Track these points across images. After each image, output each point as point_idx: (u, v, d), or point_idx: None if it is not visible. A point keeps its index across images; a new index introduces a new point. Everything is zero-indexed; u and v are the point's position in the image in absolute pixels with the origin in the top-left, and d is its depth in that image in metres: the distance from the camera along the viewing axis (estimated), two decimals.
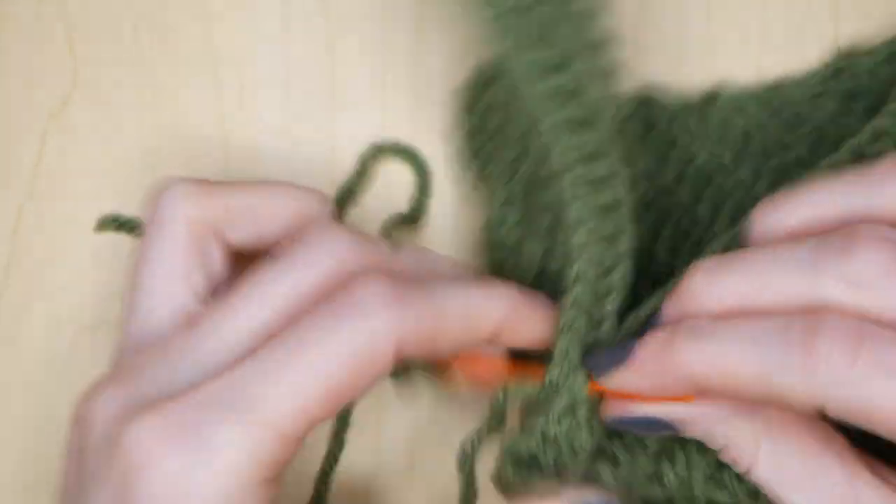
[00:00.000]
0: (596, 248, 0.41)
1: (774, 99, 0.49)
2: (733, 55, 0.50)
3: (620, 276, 0.41)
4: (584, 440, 0.41)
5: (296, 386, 0.37)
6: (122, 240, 0.50)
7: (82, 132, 0.51)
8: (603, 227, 0.41)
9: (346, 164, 0.51)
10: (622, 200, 0.40)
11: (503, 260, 0.47)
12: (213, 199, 0.43)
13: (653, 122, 0.49)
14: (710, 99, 0.49)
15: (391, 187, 0.50)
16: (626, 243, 0.41)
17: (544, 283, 0.45)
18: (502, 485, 0.42)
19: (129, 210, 0.50)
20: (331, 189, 0.50)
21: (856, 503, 0.37)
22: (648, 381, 0.39)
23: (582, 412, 0.41)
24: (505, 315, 0.41)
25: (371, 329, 0.38)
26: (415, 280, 0.40)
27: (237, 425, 0.36)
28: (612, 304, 0.42)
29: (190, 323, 0.40)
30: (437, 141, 0.50)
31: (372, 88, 0.51)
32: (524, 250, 0.46)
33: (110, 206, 0.50)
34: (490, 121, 0.48)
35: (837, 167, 0.42)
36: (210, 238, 0.43)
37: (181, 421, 0.37)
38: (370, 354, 0.38)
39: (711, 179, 0.49)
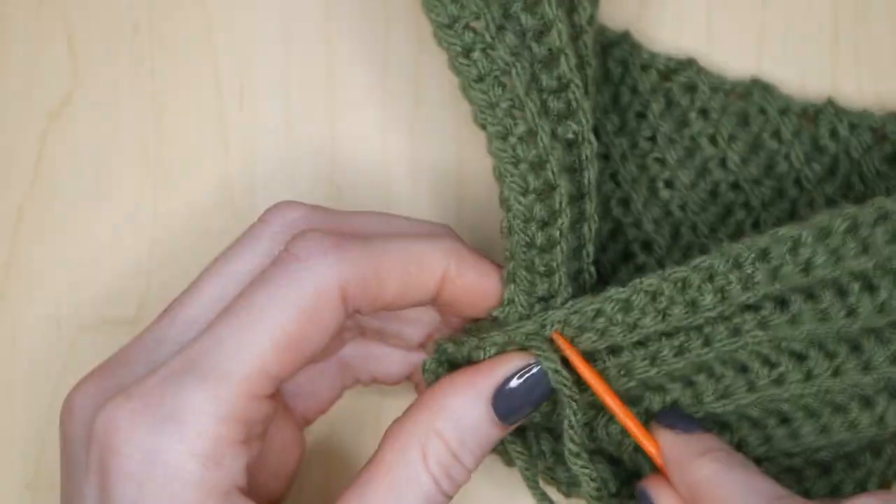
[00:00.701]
0: (522, 202, 0.42)
1: (873, 132, 0.48)
2: (733, 55, 0.50)
3: (562, 226, 0.42)
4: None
5: (249, 344, 0.38)
6: (122, 240, 0.50)
7: (82, 132, 0.51)
8: (527, 183, 0.42)
9: (345, 164, 0.51)
10: (546, 159, 0.41)
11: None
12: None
13: (750, 113, 0.49)
14: (810, 113, 0.49)
15: None
16: (560, 199, 0.42)
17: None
18: (426, 376, 0.43)
19: (126, 210, 0.50)
20: (330, 188, 0.50)
21: None
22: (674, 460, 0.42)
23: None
24: (447, 265, 0.41)
25: (311, 276, 0.39)
26: (358, 235, 0.41)
27: (200, 392, 0.38)
28: (557, 253, 0.43)
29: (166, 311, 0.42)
30: (436, 141, 0.51)
31: (372, 88, 0.51)
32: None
33: (110, 206, 0.50)
34: None
35: (887, 214, 0.41)
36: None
37: (148, 398, 0.38)
38: (315, 300, 0.39)
39: (786, 192, 0.49)
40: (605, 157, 0.49)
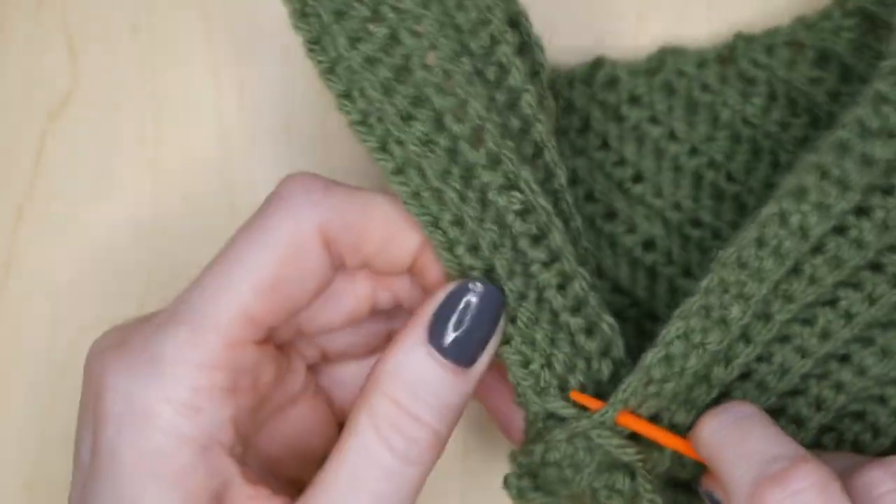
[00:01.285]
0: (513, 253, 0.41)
1: (789, 45, 0.49)
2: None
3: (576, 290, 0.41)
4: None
5: (228, 289, 0.38)
6: (122, 240, 0.50)
7: (82, 132, 0.51)
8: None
9: (341, 163, 0.51)
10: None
11: None
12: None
13: (672, 81, 0.49)
14: (724, 53, 0.49)
15: None
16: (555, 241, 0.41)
17: None
18: (510, 491, 0.42)
19: (126, 210, 0.50)
20: None
21: None
22: None
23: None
24: (426, 239, 0.40)
25: (291, 216, 0.38)
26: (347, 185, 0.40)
27: (179, 338, 0.37)
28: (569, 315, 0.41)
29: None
30: None
31: None
32: None
33: (110, 206, 0.50)
34: None
35: (844, 144, 0.42)
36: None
37: (133, 344, 0.38)
38: (294, 240, 0.38)
39: (741, 134, 0.49)
40: (573, 181, 0.49)
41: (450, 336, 0.38)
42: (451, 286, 0.39)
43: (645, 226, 0.49)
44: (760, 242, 0.42)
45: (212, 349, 0.38)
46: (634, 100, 0.49)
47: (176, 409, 0.37)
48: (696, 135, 0.49)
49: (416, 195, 0.40)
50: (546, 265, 0.41)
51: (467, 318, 0.39)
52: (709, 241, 0.48)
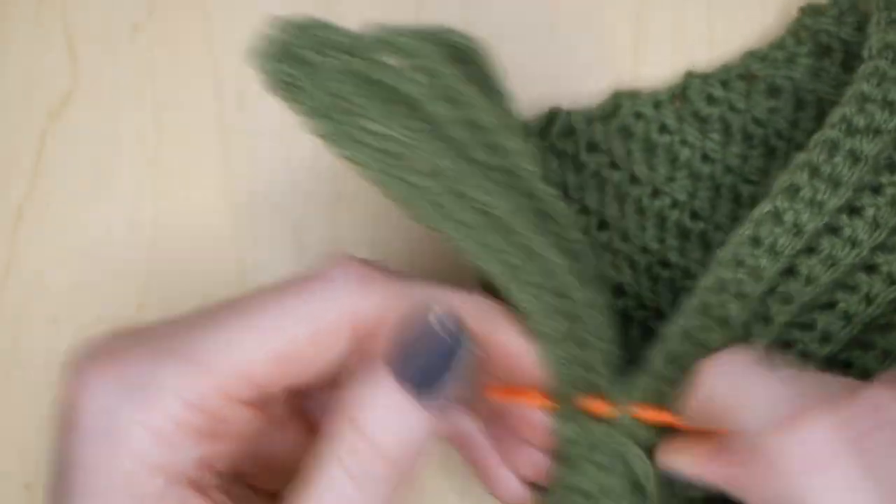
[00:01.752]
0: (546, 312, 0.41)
1: (743, 78, 0.49)
2: (734, 54, 0.50)
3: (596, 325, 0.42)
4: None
5: (241, 346, 0.38)
6: (122, 240, 0.50)
7: (82, 132, 0.51)
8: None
9: (346, 164, 0.50)
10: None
11: None
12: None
13: (629, 124, 0.49)
14: (678, 92, 0.49)
15: None
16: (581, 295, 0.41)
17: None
18: None
19: (126, 210, 0.50)
20: (330, 189, 0.50)
21: None
22: None
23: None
24: (473, 322, 0.39)
25: (327, 299, 0.38)
26: (394, 275, 0.40)
27: (177, 374, 0.37)
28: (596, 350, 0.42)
29: None
30: None
31: None
32: None
33: (110, 206, 0.50)
34: None
35: (832, 143, 0.43)
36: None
37: (126, 362, 0.38)
38: (322, 325, 0.38)
39: (701, 172, 0.49)
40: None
41: (416, 371, 0.37)
42: (410, 317, 0.38)
43: (612, 273, 0.48)
44: (756, 241, 0.43)
45: (202, 392, 0.37)
46: (592, 146, 0.49)
47: (151, 438, 0.37)
48: (657, 176, 0.49)
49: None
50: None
51: (428, 350, 0.37)
52: (679, 280, 0.48)
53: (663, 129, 0.49)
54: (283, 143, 0.51)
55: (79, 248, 0.50)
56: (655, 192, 0.49)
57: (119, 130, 0.51)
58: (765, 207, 0.43)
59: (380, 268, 0.41)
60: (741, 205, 0.48)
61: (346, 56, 0.39)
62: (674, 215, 0.49)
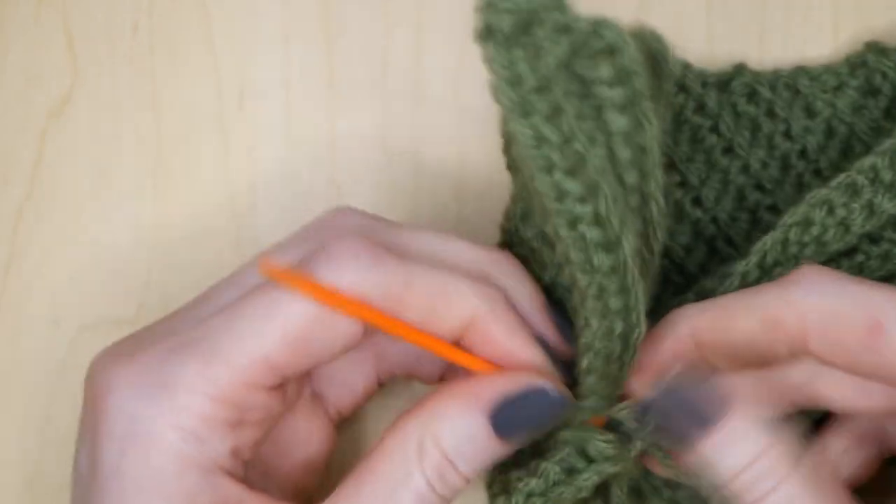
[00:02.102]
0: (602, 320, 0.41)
1: (789, 88, 0.49)
2: (733, 54, 0.50)
3: (635, 338, 0.41)
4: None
5: (257, 333, 0.38)
6: (122, 240, 0.50)
7: (82, 132, 0.51)
8: (609, 301, 0.40)
9: (346, 164, 0.51)
10: (626, 262, 0.39)
11: (523, 253, 0.46)
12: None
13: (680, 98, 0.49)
14: (726, 81, 0.49)
15: None
16: (635, 301, 0.40)
17: (557, 289, 0.45)
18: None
19: (126, 210, 0.50)
20: (330, 188, 0.50)
21: None
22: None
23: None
24: (474, 313, 0.40)
25: (336, 280, 0.38)
26: (401, 252, 0.40)
27: (196, 369, 0.38)
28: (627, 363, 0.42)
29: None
30: (436, 141, 0.51)
31: (372, 88, 0.51)
32: (540, 248, 0.46)
33: (110, 207, 0.50)
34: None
35: (854, 189, 0.43)
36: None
37: (147, 365, 0.38)
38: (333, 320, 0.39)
39: (718, 163, 0.49)
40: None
41: (507, 418, 0.40)
42: (531, 382, 0.40)
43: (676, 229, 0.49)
44: (761, 266, 0.43)
45: (225, 385, 0.38)
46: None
47: (181, 435, 0.38)
48: (679, 152, 0.49)
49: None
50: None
51: (533, 414, 0.40)
52: (735, 258, 0.48)
53: (700, 109, 0.49)
54: (283, 143, 0.51)
55: (79, 248, 0.50)
56: (671, 165, 0.49)
57: (119, 130, 0.51)
58: (776, 237, 0.43)
59: (379, 229, 0.42)
60: (743, 208, 0.48)
61: (568, 42, 0.36)
62: (677, 195, 0.49)
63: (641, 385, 0.42)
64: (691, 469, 0.40)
